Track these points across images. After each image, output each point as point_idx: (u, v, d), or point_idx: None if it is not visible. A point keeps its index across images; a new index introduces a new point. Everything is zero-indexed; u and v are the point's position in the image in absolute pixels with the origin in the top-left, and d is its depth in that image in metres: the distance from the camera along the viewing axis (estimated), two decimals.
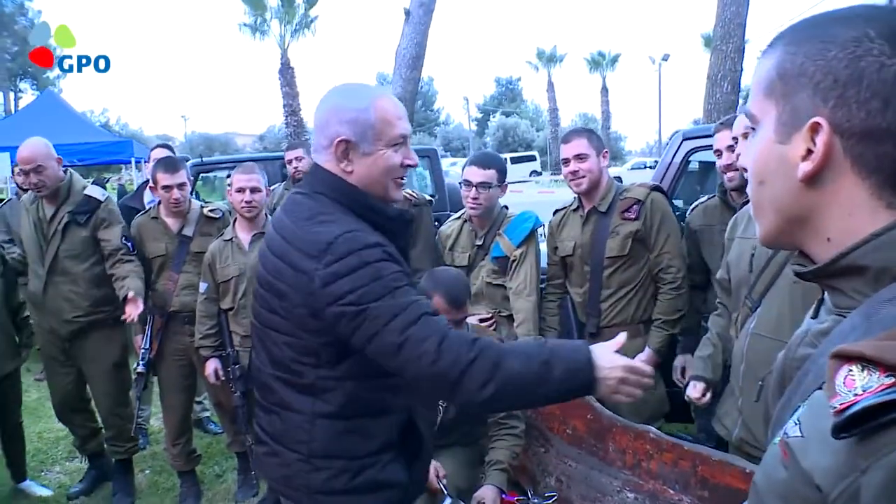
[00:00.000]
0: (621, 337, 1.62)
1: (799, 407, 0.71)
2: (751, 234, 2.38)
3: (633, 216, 3.04)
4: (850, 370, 0.60)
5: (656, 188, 3.17)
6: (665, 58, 41.86)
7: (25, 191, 4.72)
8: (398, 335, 1.52)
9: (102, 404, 3.95)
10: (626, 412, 2.67)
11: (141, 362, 3.75)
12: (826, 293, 0.82)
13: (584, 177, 3.05)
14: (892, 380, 0.58)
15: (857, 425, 0.59)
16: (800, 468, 0.65)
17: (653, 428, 2.46)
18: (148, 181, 4.14)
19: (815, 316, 0.85)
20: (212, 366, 3.58)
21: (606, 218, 3.09)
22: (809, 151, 0.75)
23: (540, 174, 42.56)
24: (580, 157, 3.05)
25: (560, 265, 3.27)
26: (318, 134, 1.71)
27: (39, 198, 3.74)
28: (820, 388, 0.68)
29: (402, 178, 1.76)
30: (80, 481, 4.23)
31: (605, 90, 51.74)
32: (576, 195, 3.22)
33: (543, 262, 3.38)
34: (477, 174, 3.21)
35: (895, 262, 0.71)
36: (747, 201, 2.80)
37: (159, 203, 3.81)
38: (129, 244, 3.74)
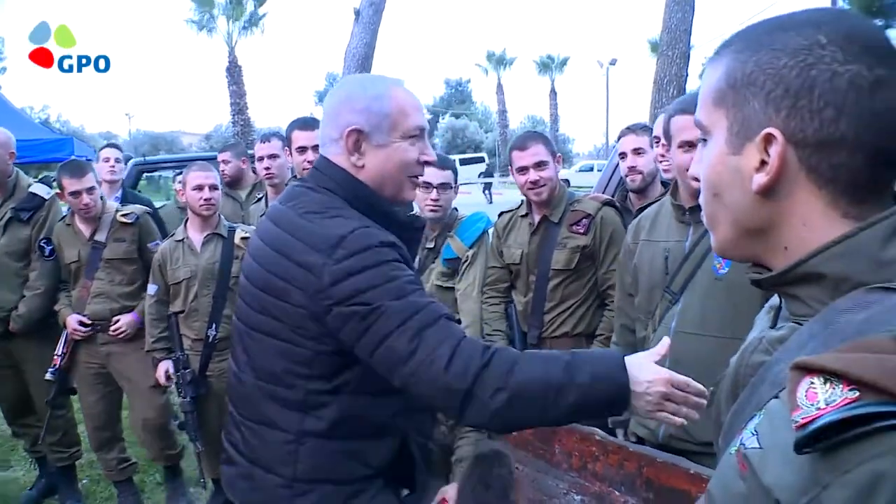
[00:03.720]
0: (665, 342, 1.42)
1: (755, 416, 0.70)
2: (658, 237, 2.38)
3: (581, 230, 2.94)
4: (812, 382, 0.58)
5: (608, 202, 3.09)
6: (613, 62, 42.53)
7: None
8: (411, 338, 1.36)
9: (42, 407, 3.82)
10: None
11: (50, 369, 3.63)
12: (783, 301, 0.81)
13: (544, 185, 2.91)
14: (857, 394, 0.56)
15: (819, 440, 0.57)
16: (759, 481, 0.64)
17: (599, 430, 2.49)
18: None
19: (773, 325, 0.83)
20: (163, 367, 3.47)
21: (556, 228, 2.98)
22: (763, 162, 0.73)
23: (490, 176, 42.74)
24: (540, 166, 2.90)
25: (505, 270, 3.15)
26: (328, 125, 1.58)
27: None
28: (776, 398, 0.68)
29: (417, 177, 1.64)
30: (29, 488, 4.11)
31: (553, 93, 52.49)
32: (523, 200, 3.12)
33: None
34: (437, 175, 2.97)
35: (853, 271, 0.70)
36: (646, 205, 2.85)
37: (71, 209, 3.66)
38: (48, 248, 3.65)
